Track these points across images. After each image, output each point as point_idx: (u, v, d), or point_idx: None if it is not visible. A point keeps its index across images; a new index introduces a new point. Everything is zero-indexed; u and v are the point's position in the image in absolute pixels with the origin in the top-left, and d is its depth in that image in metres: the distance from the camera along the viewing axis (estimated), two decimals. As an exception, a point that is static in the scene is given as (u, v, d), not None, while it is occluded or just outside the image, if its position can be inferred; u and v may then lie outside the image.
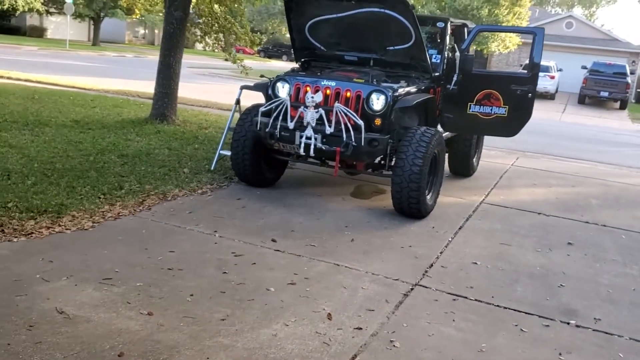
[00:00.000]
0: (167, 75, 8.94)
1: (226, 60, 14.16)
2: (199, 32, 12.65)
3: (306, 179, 7.13)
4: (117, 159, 6.68)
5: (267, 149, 6.13)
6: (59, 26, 41.49)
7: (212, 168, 6.77)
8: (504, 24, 27.21)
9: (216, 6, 12.01)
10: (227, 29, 12.03)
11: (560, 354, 3.38)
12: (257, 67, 13.57)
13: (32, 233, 4.35)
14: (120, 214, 5.01)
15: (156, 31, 53.88)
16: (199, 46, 16.29)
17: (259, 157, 6.16)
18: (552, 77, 27.07)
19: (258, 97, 6.66)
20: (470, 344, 3.40)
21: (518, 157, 10.17)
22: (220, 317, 3.40)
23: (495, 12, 27.21)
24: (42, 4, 34.26)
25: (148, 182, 5.91)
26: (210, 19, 11.79)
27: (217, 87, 19.38)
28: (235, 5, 12.40)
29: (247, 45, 13.51)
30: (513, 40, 28.58)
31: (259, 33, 17.38)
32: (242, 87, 7.04)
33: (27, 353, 2.80)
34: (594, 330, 3.75)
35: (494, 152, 10.22)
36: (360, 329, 3.43)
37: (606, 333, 3.73)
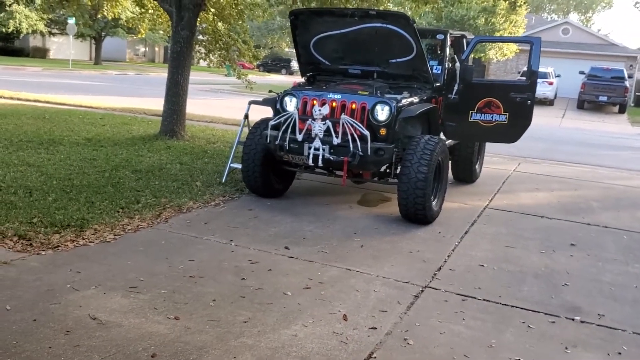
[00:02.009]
0: (176, 93, 9.19)
1: (226, 75, 14.50)
2: (203, 50, 12.95)
3: (313, 189, 7.34)
4: (132, 174, 6.89)
5: (277, 161, 6.35)
6: (61, 46, 41.99)
7: (223, 181, 6.98)
8: (500, 32, 27.58)
9: (220, 24, 12.31)
10: (230, 46, 12.32)
11: (566, 348, 3.56)
12: (257, 81, 13.82)
13: (59, 246, 4.56)
14: (140, 227, 5.22)
15: (156, 49, 54.48)
16: (203, 63, 16.54)
17: (268, 169, 6.38)
18: (551, 83, 27.35)
19: (264, 112, 6.89)
20: (480, 340, 3.58)
21: (520, 163, 10.38)
22: (242, 319, 3.59)
23: (492, 20, 27.54)
24: (45, 25, 34.71)
25: (163, 196, 6.12)
26: (214, 36, 12.08)
27: (220, 102, 19.66)
28: (239, 22, 12.69)
29: (249, 60, 13.84)
30: (511, 48, 28.89)
31: (261, 48, 17.65)
32: (251, 102, 7.28)
33: (68, 355, 3.00)
34: (598, 325, 3.93)
35: (495, 158, 10.42)
36: (375, 328, 3.62)
37: (610, 328, 3.90)
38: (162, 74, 33.88)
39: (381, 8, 11.39)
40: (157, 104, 15.07)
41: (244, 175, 6.49)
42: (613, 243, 5.88)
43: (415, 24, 5.96)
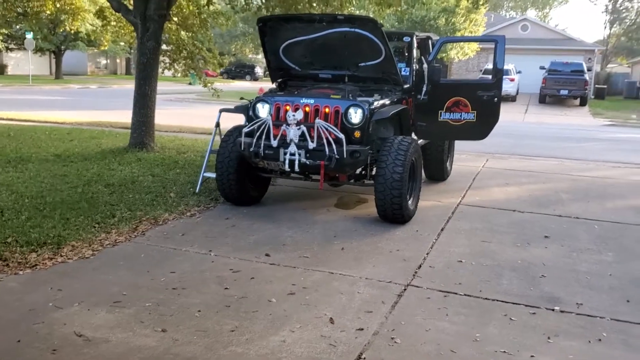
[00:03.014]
0: (144, 105, 9.12)
1: (190, 84, 14.45)
2: (167, 60, 12.86)
3: (289, 194, 7.36)
4: (105, 188, 6.82)
5: (251, 168, 6.35)
6: (20, 62, 41.16)
7: (197, 191, 6.95)
8: (461, 32, 28.01)
9: (183, 33, 12.25)
10: (195, 55, 12.27)
11: (548, 338, 3.65)
12: (222, 88, 13.74)
13: (36, 265, 4.49)
14: (117, 241, 5.17)
15: (118, 61, 53.82)
16: (167, 73, 16.41)
17: (243, 176, 6.38)
18: (512, 80, 27.86)
19: (234, 120, 6.90)
20: (464, 335, 3.65)
21: (488, 159, 10.56)
22: (229, 328, 3.59)
23: (453, 20, 27.94)
24: (2, 40, 33.99)
25: (138, 209, 6.07)
26: (178, 46, 12.02)
27: (186, 111, 19.53)
28: (202, 31, 12.64)
29: (214, 68, 13.81)
30: (471, 47, 29.36)
31: (226, 55, 17.60)
32: (222, 110, 7.26)
33: (57, 375, 2.97)
34: (577, 314, 4.04)
35: (464, 155, 10.58)
36: (362, 329, 3.66)
37: (589, 316, 4.01)
38: (125, 86, 33.52)
39: (345, 12, 11.50)
40: (123, 116, 14.94)
41: (218, 184, 6.48)
42: (585, 233, 6.03)
43: (382, 28, 6.04)
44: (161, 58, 12.13)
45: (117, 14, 12.20)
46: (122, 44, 43.26)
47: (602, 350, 3.52)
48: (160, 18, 8.94)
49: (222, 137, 6.60)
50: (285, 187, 7.60)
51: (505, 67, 27.30)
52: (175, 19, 11.47)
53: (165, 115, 15.11)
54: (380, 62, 6.29)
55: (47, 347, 3.24)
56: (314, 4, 11.44)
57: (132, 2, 9.36)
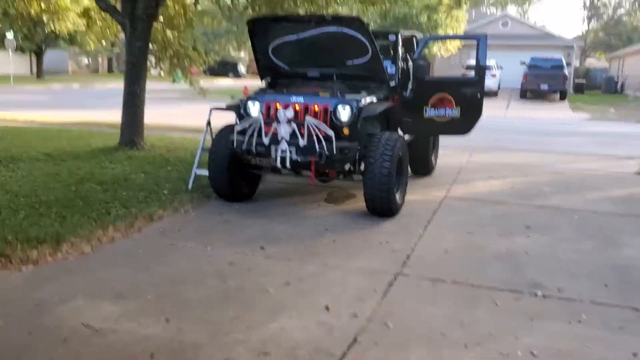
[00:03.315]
0: (133, 104, 9.23)
1: (173, 82, 14.50)
2: (153, 59, 12.97)
3: (279, 190, 7.53)
4: (98, 186, 6.93)
5: (243, 165, 6.51)
6: (-1, 62, 40.66)
7: (189, 188, 7.10)
8: (443, 28, 28.31)
9: (168, 32, 12.34)
10: (181, 54, 12.38)
11: (531, 320, 3.87)
12: (205, 86, 13.82)
13: (38, 261, 4.62)
14: (115, 238, 5.31)
15: (100, 59, 53.39)
16: (153, 72, 16.45)
17: (235, 173, 6.54)
18: (494, 76, 28.27)
19: (225, 118, 7.06)
20: (453, 319, 3.86)
21: (471, 154, 10.81)
22: (230, 317, 3.77)
23: (435, 17, 28.21)
24: (-20, 40, 33.68)
25: (133, 206, 6.20)
26: (163, 45, 12.11)
27: (171, 110, 19.51)
28: (188, 30, 12.75)
29: (201, 67, 13.94)
30: (454, 44, 29.66)
31: (211, 54, 17.71)
32: (212, 109, 7.41)
33: (70, 362, 3.13)
34: (558, 298, 4.27)
35: (448, 150, 10.78)
36: (356, 315, 3.85)
37: (569, 300, 4.24)
38: (108, 85, 33.36)
39: (330, 10, 11.67)
40: (109, 115, 14.99)
41: (211, 181, 6.63)
42: (565, 223, 6.28)
43: (369, 27, 6.23)
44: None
45: (102, 13, 12.30)
46: (104, 42, 43.15)
47: (581, 330, 3.75)
48: (149, 18, 9.05)
49: (214, 135, 6.75)
50: (275, 183, 7.76)
51: (487, 62, 27.86)
52: (160, 18, 11.56)
53: (150, 114, 15.02)
54: (367, 61, 6.47)
55: (58, 339, 3.39)
56: (299, 3, 11.60)
57: (119, 2, 9.45)
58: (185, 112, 18.37)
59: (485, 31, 36.61)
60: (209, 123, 7.55)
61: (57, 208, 5.95)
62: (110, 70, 53.42)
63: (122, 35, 14.91)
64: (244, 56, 61.02)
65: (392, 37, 7.31)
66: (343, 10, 15.35)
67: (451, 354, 3.39)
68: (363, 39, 6.24)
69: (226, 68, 53.64)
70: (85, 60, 52.15)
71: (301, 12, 11.56)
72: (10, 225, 5.34)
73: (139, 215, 5.95)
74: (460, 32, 29.84)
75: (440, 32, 27.36)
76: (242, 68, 55.24)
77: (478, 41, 7.15)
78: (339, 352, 3.35)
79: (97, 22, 12.86)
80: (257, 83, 7.59)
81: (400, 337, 3.58)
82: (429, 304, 4.10)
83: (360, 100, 6.07)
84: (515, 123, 18.16)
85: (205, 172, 7.01)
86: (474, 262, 5.00)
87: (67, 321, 3.62)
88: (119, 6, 9.57)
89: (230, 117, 7.10)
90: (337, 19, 6.38)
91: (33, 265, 4.55)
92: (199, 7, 13.31)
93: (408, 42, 7.79)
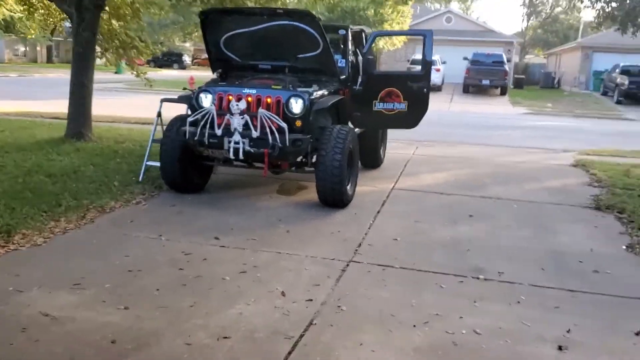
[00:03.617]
0: (81, 95, 9.09)
1: (116, 73, 14.28)
2: (99, 49, 12.70)
3: (231, 182, 7.60)
4: (46, 178, 6.83)
5: (194, 157, 6.55)
6: None
7: (140, 179, 7.09)
8: (389, 23, 28.80)
9: (114, 22, 12.13)
10: (127, 44, 12.19)
11: (475, 302, 4.13)
12: (151, 77, 13.63)
13: (-11, 253, 4.58)
14: (67, 229, 5.30)
15: (38, 48, 51.52)
16: (98, 61, 16.07)
17: (187, 164, 6.58)
18: (438, 70, 28.89)
19: (175, 110, 7.07)
20: (402, 301, 4.07)
21: (417, 147, 11.14)
22: (188, 304, 3.86)
23: (381, 11, 28.64)
24: None
25: (84, 198, 6.16)
26: (110, 35, 11.90)
27: (116, 101, 19.19)
28: (135, 20, 12.56)
29: (147, 57, 13.75)
30: (399, 38, 30.20)
31: (159, 45, 17.46)
32: (163, 100, 7.41)
33: (32, 350, 3.17)
34: (499, 281, 4.55)
35: (395, 143, 11.07)
36: (311, 300, 4.01)
37: (509, 283, 4.53)
38: (47, 75, 32.35)
39: (279, 4, 11.75)
40: (51, 106, 14.66)
41: (162, 172, 6.65)
42: (505, 212, 6.62)
43: (320, 21, 6.37)
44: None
45: (45, 1, 11.99)
46: (45, 30, 41.68)
47: (520, 310, 4.03)
48: (96, 8, 8.91)
49: (165, 126, 6.75)
50: (226, 175, 7.82)
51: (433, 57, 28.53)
52: (106, 7, 11.36)
53: (95, 105, 14.83)
54: (318, 54, 6.61)
55: (17, 327, 3.41)
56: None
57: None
58: (131, 103, 18.12)
59: (429, 26, 37.37)
60: (159, 114, 7.54)
61: (5, 200, 5.85)
62: (49, 59, 51.66)
63: (66, 24, 14.62)
64: (188, 47, 60.21)
65: (342, 32, 7.48)
66: (293, 4, 15.44)
67: (401, 334, 3.60)
68: (314, 32, 6.38)
69: (171, 59, 52.86)
70: (22, 49, 50.26)
71: (249, 4, 11.63)
72: (-43, 218, 5.24)
73: (91, 206, 5.94)
74: (406, 26, 30.44)
75: (387, 26, 27.84)
76: (186, 59, 54.55)
77: (424, 37, 7.40)
78: (296, 334, 3.50)
79: (40, 9, 12.51)
80: (202, 74, 7.63)
81: (353, 319, 3.76)
82: (379, 288, 4.30)
83: (312, 93, 6.21)
84: (458, 117, 18.72)
85: (156, 163, 7.03)
86: (420, 248, 5.24)
87: (23, 310, 3.64)
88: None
89: (180, 109, 7.15)
90: (289, 13, 6.50)
91: (-16, 256, 4.51)
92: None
93: (357, 37, 7.98)
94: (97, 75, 28.63)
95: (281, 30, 6.49)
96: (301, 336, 3.49)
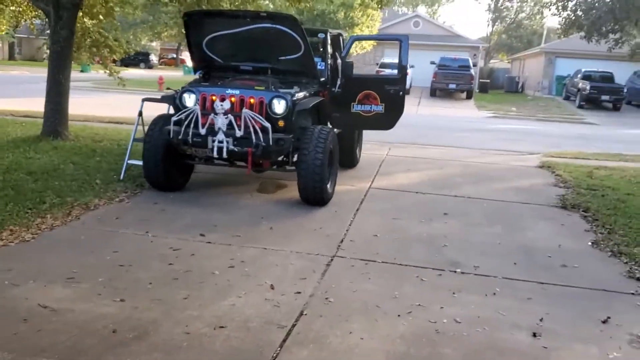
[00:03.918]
0: (58, 93, 9.09)
1: (82, 71, 14.17)
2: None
3: (212, 180, 7.74)
4: (27, 176, 6.85)
5: (177, 156, 6.67)
6: None
7: (121, 178, 7.17)
8: (359, 26, 29.14)
9: (87, 20, 12.09)
10: (100, 43, 12.19)
11: (453, 293, 4.37)
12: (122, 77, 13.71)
13: (-21, 249, 4.64)
14: (54, 225, 5.37)
15: (0, 44, 50.39)
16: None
17: (169, 163, 6.69)
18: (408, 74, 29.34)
19: (155, 109, 7.18)
20: (385, 293, 4.29)
21: (390, 148, 11.41)
22: (182, 297, 4.01)
23: (351, 15, 28.97)
24: None
25: (67, 195, 6.23)
26: (82, 33, 11.86)
27: (86, 100, 18.96)
28: (108, 19, 12.55)
29: (120, 57, 13.73)
30: (370, 42, 30.56)
31: (130, 44, 17.39)
32: (144, 100, 7.50)
33: (35, 338, 3.28)
34: (475, 274, 4.81)
35: (369, 145, 11.30)
36: (300, 292, 4.20)
37: (484, 275, 4.79)
38: (10, 72, 31.75)
39: (254, 6, 11.90)
40: (20, 104, 14.50)
41: (145, 171, 6.75)
42: (477, 210, 6.92)
43: (302, 25, 6.56)
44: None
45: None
46: (4, 27, 40.82)
47: (496, 301, 4.29)
48: (74, 7, 8.93)
49: (149, 125, 6.84)
50: (205, 174, 7.94)
51: (400, 61, 29.06)
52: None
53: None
54: (299, 57, 6.81)
55: (18, 318, 3.51)
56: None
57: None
58: (102, 102, 17.97)
59: (398, 30, 37.96)
60: (140, 113, 7.63)
61: (-13, 197, 5.89)
62: (11, 56, 50.58)
63: (37, 22, 14.46)
64: (155, 46, 59.70)
65: (321, 35, 7.69)
66: (267, 6, 15.58)
67: (387, 323, 3.81)
68: (296, 36, 6.57)
69: (137, 58, 52.36)
70: (-18, 45, 49.11)
71: (225, 6, 11.74)
72: (-59, 214, 5.27)
73: (75, 204, 6.01)
74: (375, 30, 30.85)
75: (357, 29, 28.18)
76: (153, 58, 54.15)
77: (401, 42, 7.67)
78: (289, 324, 3.68)
79: (10, 6, 12.39)
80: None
81: (341, 309, 3.97)
82: (363, 281, 4.51)
83: (294, 94, 6.40)
84: (427, 120, 19.11)
85: (137, 162, 7.13)
86: (400, 244, 5.48)
87: (22, 303, 3.74)
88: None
89: (161, 108, 7.26)
90: (271, 16, 6.68)
91: (-26, 252, 4.57)
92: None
93: (335, 40, 8.21)
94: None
95: (263, 32, 6.66)
96: (293, 326, 3.68)
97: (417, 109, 23.53)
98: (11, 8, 12.71)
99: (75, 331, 3.40)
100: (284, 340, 3.48)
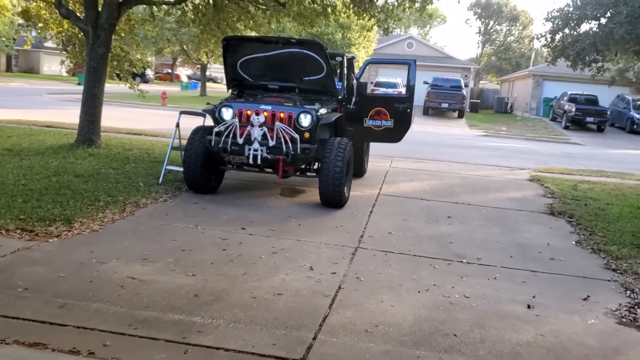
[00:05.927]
0: (93, 104, 9.95)
1: (78, 84, 14.91)
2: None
3: (239, 186, 8.60)
4: (76, 178, 7.69)
5: (212, 162, 7.55)
6: None
7: (160, 181, 8.02)
8: (356, 47, 30.27)
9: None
10: (121, 58, 13.09)
11: (462, 277, 5.27)
12: (112, 91, 14.21)
13: (59, 235, 5.47)
14: (115, 219, 6.22)
15: (-4, 56, 51.01)
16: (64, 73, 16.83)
17: (206, 169, 7.57)
18: (400, 93, 30.43)
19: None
20: (405, 276, 5.18)
21: (392, 161, 12.36)
22: (241, 273, 4.87)
23: (348, 35, 30.10)
24: None
25: (117, 195, 7.07)
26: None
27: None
28: (129, 35, 13.48)
29: (141, 71, 14.64)
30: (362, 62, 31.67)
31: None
32: (182, 113, 8.40)
33: (136, 299, 4.13)
34: (478, 264, 5.71)
35: (373, 158, 12.25)
36: (335, 273, 5.08)
37: (486, 265, 5.69)
38: (9, 84, 32.38)
39: (266, 27, 12.87)
40: (35, 114, 15.26)
41: (185, 175, 7.61)
42: (477, 215, 7.84)
43: (327, 50, 7.51)
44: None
45: (45, 15, 12.79)
46: (3, 39, 41.60)
47: (496, 283, 5.19)
48: (111, 27, 9.83)
49: (190, 135, 7.71)
50: (233, 180, 8.79)
51: (395, 81, 30.18)
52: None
53: (70, 116, 15.16)
54: (322, 78, 7.74)
55: (116, 285, 4.36)
56: (237, 19, 12.66)
57: (82, 10, 10.13)
58: (110, 115, 18.72)
59: (392, 51, 39.20)
60: (177, 125, 8.51)
61: (50, 195, 6.71)
62: (9, 69, 51.27)
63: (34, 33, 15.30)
64: (153, 62, 60.54)
65: (338, 58, 8.65)
66: (277, 28, 16.53)
67: (410, 296, 4.70)
68: (320, 59, 7.51)
69: (134, 73, 53.24)
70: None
71: (240, 27, 12.73)
72: (17, 208, 6.09)
73: (127, 202, 6.85)
74: (371, 50, 31.99)
75: (354, 49, 29.24)
76: (149, 73, 55.15)
77: (409, 65, 8.65)
78: (331, 294, 4.57)
79: (39, 23, 13.24)
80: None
81: (371, 286, 4.85)
82: (385, 267, 5.40)
83: (318, 110, 7.32)
84: (422, 136, 20.08)
85: (174, 168, 8.00)
86: (412, 239, 6.38)
87: (113, 275, 4.59)
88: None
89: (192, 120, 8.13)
90: (301, 42, 7.62)
91: (57, 238, 5.40)
92: (140, 15, 14.07)
93: (349, 62, 9.16)
94: (63, 87, 28.66)
95: (291, 56, 7.59)
96: (335, 295, 4.56)
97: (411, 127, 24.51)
98: (52, 26, 13.46)
99: (165, 294, 4.26)
100: (331, 305, 4.35)
